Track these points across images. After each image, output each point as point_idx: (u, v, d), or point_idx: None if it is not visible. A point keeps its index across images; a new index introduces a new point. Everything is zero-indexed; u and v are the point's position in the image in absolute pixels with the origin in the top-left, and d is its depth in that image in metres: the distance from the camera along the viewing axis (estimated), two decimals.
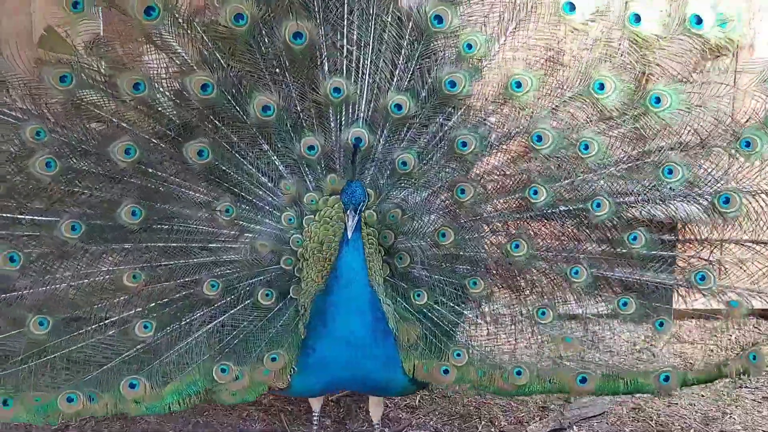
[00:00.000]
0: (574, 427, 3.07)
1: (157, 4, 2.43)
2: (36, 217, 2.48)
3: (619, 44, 2.50)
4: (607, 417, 3.13)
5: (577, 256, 2.55)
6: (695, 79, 2.51)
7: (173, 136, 2.52)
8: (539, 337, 2.59)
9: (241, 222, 2.56)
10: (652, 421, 3.09)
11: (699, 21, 2.45)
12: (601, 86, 2.48)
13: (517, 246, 2.55)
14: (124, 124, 2.53)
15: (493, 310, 2.63)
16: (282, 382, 2.48)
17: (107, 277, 2.50)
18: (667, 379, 2.53)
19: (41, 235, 2.45)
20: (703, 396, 3.23)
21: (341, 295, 2.38)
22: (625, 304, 2.61)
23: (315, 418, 2.71)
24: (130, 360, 2.45)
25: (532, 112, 2.53)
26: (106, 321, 2.49)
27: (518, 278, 2.59)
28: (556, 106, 2.53)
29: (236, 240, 2.57)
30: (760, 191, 2.46)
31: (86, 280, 2.51)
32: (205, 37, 2.49)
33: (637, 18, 2.46)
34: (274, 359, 2.48)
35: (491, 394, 2.85)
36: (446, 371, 2.51)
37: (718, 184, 2.48)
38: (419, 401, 3.13)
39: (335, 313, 2.39)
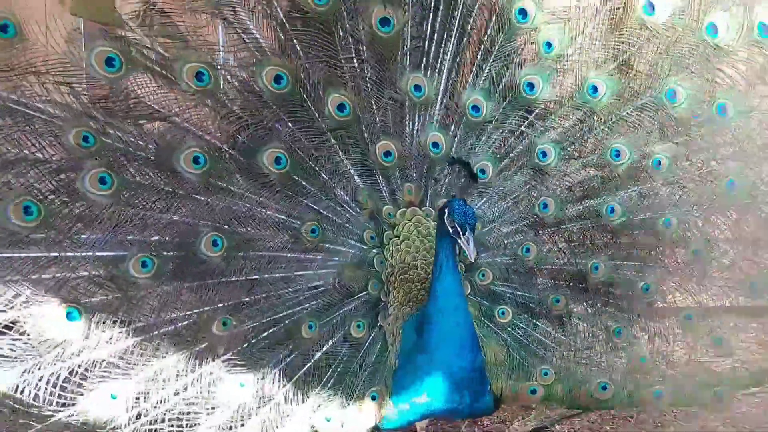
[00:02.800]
0: (556, 425, 3.28)
1: None
2: (97, 253, 2.15)
3: (692, 52, 2.58)
4: (587, 415, 3.32)
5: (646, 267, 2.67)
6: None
7: (244, 140, 2.31)
8: (616, 353, 2.69)
9: (326, 244, 2.43)
10: (632, 419, 3.32)
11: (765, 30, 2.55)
12: (674, 94, 2.57)
13: (596, 267, 2.63)
14: (187, 125, 2.24)
15: (574, 327, 2.71)
16: (377, 420, 2.40)
17: (186, 323, 2.24)
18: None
19: (101, 275, 2.15)
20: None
21: (441, 322, 2.33)
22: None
23: None
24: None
25: (609, 121, 2.60)
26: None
27: (597, 292, 2.69)
28: (629, 113, 2.61)
29: (323, 266, 2.43)
30: None
31: (161, 330, 2.24)
32: (283, 17, 2.29)
33: (714, 29, 2.54)
34: (374, 398, 2.39)
35: (574, 409, 2.97)
36: (534, 391, 2.58)
37: None
38: None
39: (435, 340, 2.33)
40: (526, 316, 2.65)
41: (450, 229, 2.25)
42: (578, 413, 3.27)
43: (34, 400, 2.06)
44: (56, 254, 2.11)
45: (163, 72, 2.17)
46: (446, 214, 2.26)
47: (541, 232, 2.64)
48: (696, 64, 2.55)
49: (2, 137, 2.05)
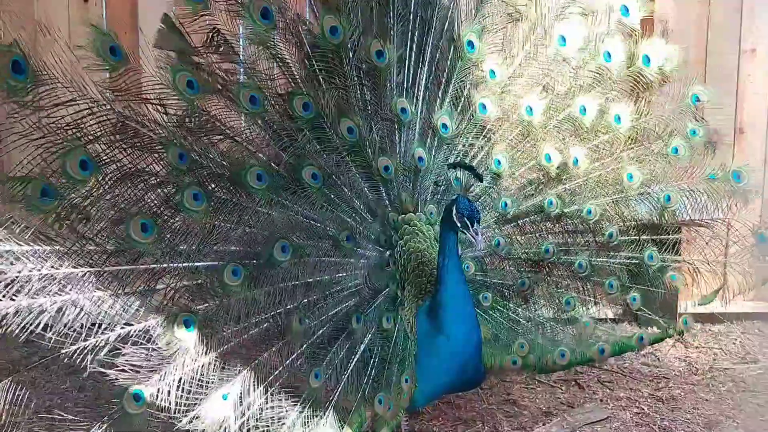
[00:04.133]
0: (577, 431, 3.34)
1: (272, 7, 2.66)
2: (198, 263, 2.46)
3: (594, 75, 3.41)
4: (611, 422, 3.42)
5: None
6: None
7: (288, 159, 2.73)
8: (568, 323, 3.41)
9: (357, 249, 2.89)
10: (655, 425, 3.40)
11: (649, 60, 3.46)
12: (585, 109, 3.35)
13: (547, 250, 3.32)
14: (246, 144, 2.66)
15: (536, 304, 3.36)
16: (410, 401, 2.86)
17: (268, 325, 2.59)
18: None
19: (202, 284, 2.47)
20: (706, 400, 3.55)
21: (451, 306, 2.82)
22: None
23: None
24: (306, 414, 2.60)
25: (542, 131, 3.31)
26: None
27: (549, 273, 3.38)
28: (555, 125, 3.35)
29: (357, 267, 2.88)
30: None
31: (251, 332, 2.56)
32: (307, 48, 2.79)
33: (609, 56, 3.37)
34: (407, 380, 2.85)
35: (543, 374, 3.63)
36: (515, 362, 3.20)
37: None
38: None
39: (447, 324, 2.83)
40: (500, 299, 3.27)
41: (459, 224, 2.74)
42: (601, 420, 3.42)
43: (164, 407, 2.26)
44: (166, 265, 2.39)
45: (228, 94, 2.56)
46: (455, 211, 2.74)
47: (504, 227, 3.29)
48: (597, 84, 3.36)
49: (119, 150, 2.33)
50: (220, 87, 2.56)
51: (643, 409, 3.51)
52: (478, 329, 2.90)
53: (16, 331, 2.09)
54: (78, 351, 2.19)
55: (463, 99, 3.18)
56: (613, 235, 3.40)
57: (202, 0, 2.53)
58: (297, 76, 2.78)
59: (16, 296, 2.11)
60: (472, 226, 2.68)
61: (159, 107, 2.43)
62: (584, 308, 3.43)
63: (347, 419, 2.65)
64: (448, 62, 3.14)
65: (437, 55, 3.12)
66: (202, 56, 2.54)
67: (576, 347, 3.33)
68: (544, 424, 3.39)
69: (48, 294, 2.16)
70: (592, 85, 3.34)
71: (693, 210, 3.42)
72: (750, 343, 4.41)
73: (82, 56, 2.27)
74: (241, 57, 2.65)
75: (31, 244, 2.19)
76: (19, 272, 2.13)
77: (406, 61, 3.04)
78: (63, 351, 2.17)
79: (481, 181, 2.92)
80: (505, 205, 3.24)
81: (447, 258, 2.80)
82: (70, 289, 2.20)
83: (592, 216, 3.34)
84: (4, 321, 2.08)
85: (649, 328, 3.88)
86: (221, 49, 2.59)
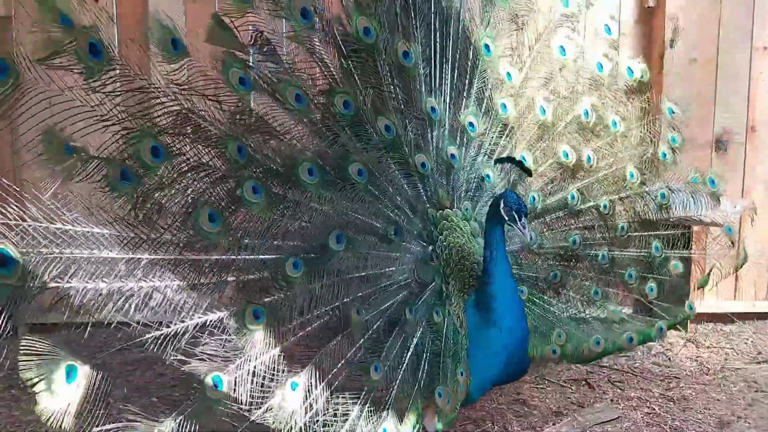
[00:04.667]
0: (587, 431, 3.35)
1: (310, 6, 2.73)
2: (261, 256, 2.51)
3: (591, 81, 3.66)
4: (621, 422, 3.42)
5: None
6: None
7: (333, 156, 2.78)
8: (598, 312, 3.54)
9: (404, 243, 2.94)
10: (666, 425, 3.39)
11: (632, 71, 3.77)
12: (588, 112, 3.57)
13: (574, 241, 3.46)
14: (295, 142, 2.71)
15: (568, 295, 3.49)
16: (466, 394, 2.90)
17: (328, 318, 2.64)
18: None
19: (263, 277, 2.51)
20: (718, 400, 3.63)
21: (501, 299, 2.89)
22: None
23: None
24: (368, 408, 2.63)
25: (555, 132, 3.51)
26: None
27: (577, 265, 3.50)
28: (565, 126, 3.55)
29: (404, 261, 2.93)
30: None
31: (313, 324, 2.61)
32: (343, 48, 2.86)
33: (601, 66, 3.67)
34: (462, 373, 2.88)
35: (580, 363, 3.75)
36: (554, 351, 3.30)
37: None
38: None
39: (497, 316, 2.89)
40: (536, 292, 3.36)
41: (507, 217, 2.81)
42: (612, 420, 3.43)
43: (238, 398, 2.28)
44: (233, 257, 2.43)
45: (275, 93, 2.62)
46: (503, 205, 2.81)
47: (534, 222, 3.39)
48: (594, 91, 3.61)
49: (184, 142, 2.37)
50: (267, 85, 2.61)
51: (654, 409, 3.52)
52: (525, 320, 2.97)
53: (111, 312, 2.12)
54: (161, 337, 2.20)
55: (485, 99, 3.31)
56: (624, 229, 3.58)
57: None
58: (335, 76, 2.85)
59: (106, 279, 2.13)
60: (520, 220, 2.75)
61: (215, 102, 2.46)
62: (610, 298, 3.57)
63: (405, 413, 2.66)
64: (470, 63, 3.26)
65: (458, 57, 3.23)
66: (248, 54, 2.59)
67: (608, 336, 3.43)
68: (554, 424, 3.39)
69: (135, 279, 2.19)
70: (590, 92, 3.58)
71: (682, 207, 3.71)
72: (762, 343, 4.43)
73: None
74: (283, 57, 2.70)
75: (116, 228, 2.21)
76: (109, 253, 2.15)
77: (432, 62, 3.14)
78: (148, 336, 2.18)
79: (530, 175, 3.03)
80: (534, 199, 3.36)
81: (495, 251, 2.87)
82: (153, 277, 2.22)
83: (607, 210, 3.52)
84: (97, 301, 2.10)
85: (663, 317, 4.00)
86: (265, 48, 2.63)
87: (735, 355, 4.24)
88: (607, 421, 3.40)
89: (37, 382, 1.93)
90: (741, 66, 4.55)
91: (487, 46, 3.33)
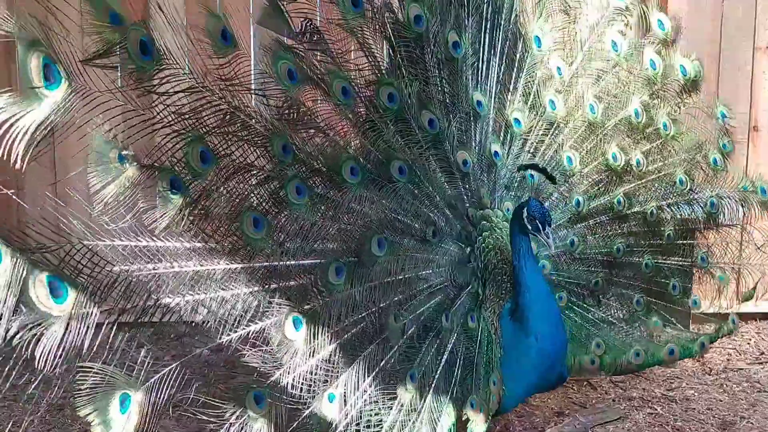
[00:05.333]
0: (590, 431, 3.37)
1: None
2: (301, 262, 2.42)
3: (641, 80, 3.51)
4: (623, 422, 3.43)
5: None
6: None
7: (376, 153, 2.68)
8: (638, 323, 3.43)
9: (442, 245, 2.86)
10: (668, 426, 3.39)
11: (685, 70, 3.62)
12: (638, 112, 3.44)
13: (618, 249, 3.35)
14: (338, 138, 2.59)
15: (609, 304, 3.37)
16: (499, 404, 2.83)
17: (364, 324, 2.55)
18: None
19: (305, 284, 2.42)
20: (720, 401, 3.62)
21: (534, 308, 2.81)
22: None
23: None
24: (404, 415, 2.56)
25: (603, 132, 3.37)
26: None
27: (621, 273, 3.39)
28: (614, 126, 3.41)
29: (441, 263, 2.84)
30: None
31: (351, 331, 2.51)
32: (392, 37, 2.75)
33: (653, 64, 3.50)
34: (494, 383, 2.81)
35: (618, 374, 3.58)
36: (593, 361, 3.22)
37: None
38: None
39: (532, 325, 2.80)
40: (575, 299, 3.25)
41: (530, 226, 2.72)
42: (614, 420, 3.44)
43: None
44: (276, 263, 2.34)
45: (323, 85, 2.51)
46: (526, 213, 2.72)
47: (577, 226, 3.28)
48: (647, 90, 3.46)
49: (231, 142, 2.27)
50: (317, 77, 2.50)
51: (656, 410, 3.52)
52: (563, 328, 2.89)
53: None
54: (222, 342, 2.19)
55: (533, 94, 3.20)
56: (671, 237, 3.46)
57: None
58: (382, 67, 2.74)
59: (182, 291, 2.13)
60: (544, 229, 2.66)
61: (262, 97, 2.37)
62: (653, 309, 3.46)
63: (438, 422, 2.60)
64: (518, 56, 3.15)
65: (507, 49, 3.11)
66: (300, 42, 2.46)
67: (648, 348, 3.34)
68: (556, 424, 3.40)
69: (203, 291, 2.16)
70: (641, 90, 3.43)
71: (730, 215, 3.59)
72: (764, 344, 4.40)
73: (196, 40, 2.18)
74: (332, 46, 2.57)
75: (170, 240, 2.15)
76: (181, 268, 2.14)
77: (480, 54, 3.03)
78: (219, 340, 2.18)
79: (555, 183, 2.96)
80: (578, 203, 3.25)
81: (523, 260, 2.78)
82: (217, 287, 2.19)
83: (654, 217, 3.41)
84: (174, 311, 2.11)
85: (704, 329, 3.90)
86: (314, 38, 2.50)
87: (737, 356, 4.22)
88: (609, 421, 3.41)
89: (93, 416, 1.92)
90: (743, 65, 4.48)
91: (538, 39, 3.21)
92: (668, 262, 3.49)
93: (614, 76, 3.39)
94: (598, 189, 3.33)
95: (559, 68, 3.27)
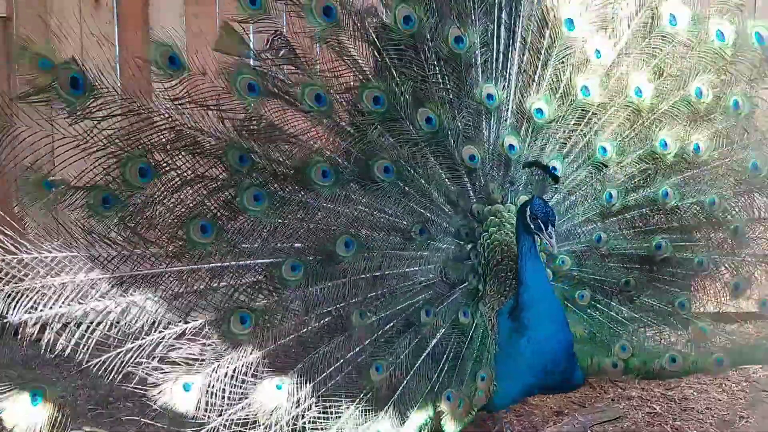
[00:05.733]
0: (588, 431, 3.35)
1: (334, 4, 2.66)
2: (258, 261, 2.58)
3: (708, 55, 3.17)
4: (622, 422, 3.43)
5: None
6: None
7: (357, 154, 2.76)
8: (681, 326, 3.18)
9: (431, 242, 2.88)
10: (667, 425, 3.40)
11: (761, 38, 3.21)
12: (701, 92, 3.13)
13: (659, 245, 3.11)
14: (311, 143, 2.70)
15: (643, 304, 3.15)
16: (487, 400, 2.82)
17: (329, 319, 2.68)
18: None
19: (260, 281, 2.59)
20: (719, 400, 3.70)
21: (534, 308, 2.76)
22: None
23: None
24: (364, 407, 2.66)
25: (651, 117, 3.13)
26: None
27: (661, 271, 3.16)
28: (668, 109, 3.14)
29: (431, 261, 2.87)
30: None
31: (311, 325, 2.65)
32: (377, 41, 2.77)
33: (722, 35, 3.13)
34: (483, 378, 2.81)
35: (649, 380, 3.47)
36: (615, 365, 3.04)
37: None
38: None
39: (530, 325, 2.76)
40: (601, 297, 3.10)
41: (533, 226, 2.66)
42: (613, 419, 3.42)
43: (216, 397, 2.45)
44: (228, 264, 2.52)
45: (287, 97, 2.63)
46: (528, 212, 2.66)
47: (608, 220, 3.11)
48: (712, 65, 3.12)
49: (178, 157, 2.46)
50: (281, 90, 2.62)
51: (655, 409, 3.51)
52: (565, 329, 2.79)
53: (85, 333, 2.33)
54: (135, 348, 2.38)
55: (562, 82, 3.03)
56: (739, 230, 3.18)
57: (260, 5, 2.57)
58: (366, 70, 2.77)
59: (83, 300, 2.36)
60: (546, 229, 2.59)
61: (218, 112, 2.53)
62: (702, 311, 3.24)
63: (411, 415, 2.65)
64: (545, 42, 3.00)
65: (530, 35, 2.99)
66: (262, 60, 2.61)
67: (690, 354, 3.10)
68: (554, 424, 3.40)
69: (113, 297, 2.39)
70: (707, 67, 3.11)
71: None
72: None
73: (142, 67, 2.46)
74: (302, 58, 2.67)
75: (95, 248, 2.40)
76: (85, 278, 2.36)
77: (494, 45, 2.94)
78: (123, 349, 2.37)
79: (556, 181, 2.85)
80: (610, 196, 3.07)
81: (526, 260, 2.74)
82: (133, 291, 2.41)
83: (716, 208, 3.14)
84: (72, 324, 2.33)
85: None
86: (281, 52, 2.63)
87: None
88: (608, 420, 3.41)
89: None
90: None
91: (570, 21, 3.01)
92: (737, 259, 3.20)
93: (670, 53, 3.09)
94: (639, 181, 3.11)
95: (597, 51, 3.05)
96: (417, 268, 2.83)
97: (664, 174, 3.11)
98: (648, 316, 3.14)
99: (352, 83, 2.77)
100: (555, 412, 3.47)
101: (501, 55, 2.95)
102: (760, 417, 3.43)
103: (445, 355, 2.79)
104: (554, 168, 2.96)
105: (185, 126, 2.48)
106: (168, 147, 2.46)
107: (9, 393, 2.23)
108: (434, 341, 2.78)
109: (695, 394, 3.66)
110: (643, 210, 3.13)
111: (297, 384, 2.56)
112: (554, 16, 3.00)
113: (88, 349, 2.33)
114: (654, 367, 3.06)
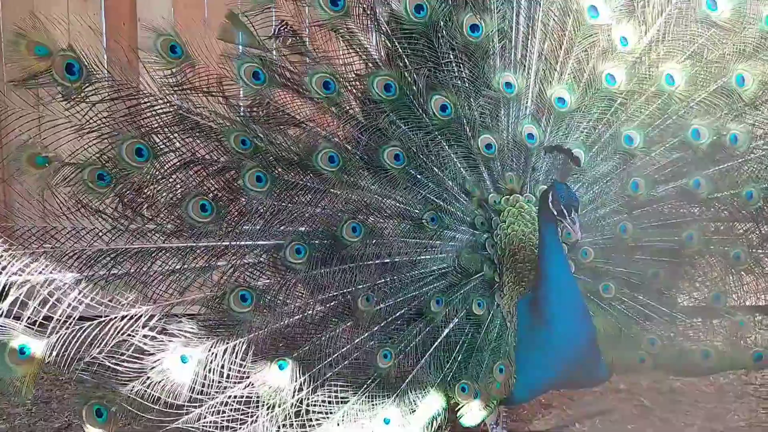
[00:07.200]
0: (576, 424, 3.40)
1: None
2: (259, 242, 2.64)
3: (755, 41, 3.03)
4: (611, 414, 3.46)
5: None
6: None
7: (366, 141, 2.78)
8: (714, 320, 3.05)
9: (444, 231, 2.86)
10: (655, 417, 3.44)
11: None
12: (743, 79, 2.98)
13: (690, 237, 2.99)
14: (319, 129, 2.74)
15: (673, 298, 3.05)
16: (506, 393, 2.77)
17: (335, 303, 2.71)
18: None
19: (263, 263, 2.66)
20: (707, 393, 3.70)
21: (554, 299, 2.69)
22: None
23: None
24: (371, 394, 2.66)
25: (686, 107, 3.01)
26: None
27: (694, 263, 3.05)
28: (704, 98, 3.01)
29: (443, 250, 2.86)
30: None
31: (316, 309, 2.69)
32: (388, 30, 2.79)
33: None
34: (501, 370, 2.77)
35: (680, 376, 3.38)
36: (642, 360, 2.95)
37: None
38: None
39: (550, 317, 2.69)
40: (628, 290, 3.00)
41: (555, 212, 2.59)
42: (601, 412, 3.42)
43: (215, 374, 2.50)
44: (227, 243, 2.59)
45: (294, 85, 2.69)
46: (550, 198, 2.60)
47: (635, 211, 3.00)
48: (759, 52, 2.96)
49: (178, 141, 2.56)
50: (287, 79, 2.68)
51: (643, 402, 3.53)
52: (588, 323, 2.71)
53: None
54: (128, 317, 2.45)
55: (586, 70, 2.96)
56: None
57: None
58: (377, 59, 2.80)
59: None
60: (569, 215, 2.52)
61: (221, 98, 2.62)
62: (738, 305, 3.07)
63: (421, 404, 2.63)
64: (567, 30, 2.94)
65: (550, 22, 2.94)
66: (266, 50, 2.67)
67: (725, 349, 2.97)
68: (543, 417, 3.44)
69: (104, 267, 2.50)
70: (752, 53, 2.96)
71: None
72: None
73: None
74: (310, 46, 2.74)
75: (91, 222, 2.50)
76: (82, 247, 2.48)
77: (513, 32, 2.90)
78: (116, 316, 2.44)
79: (579, 165, 2.75)
80: (636, 186, 2.96)
81: (547, 249, 2.67)
82: (126, 264, 2.52)
83: (753, 201, 2.99)
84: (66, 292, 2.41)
85: None
86: (288, 41, 2.69)
87: None
88: (597, 413, 3.43)
89: None
90: None
91: (594, 8, 2.94)
92: None
93: (708, 38, 2.96)
94: (671, 171, 2.99)
95: (623, 38, 2.96)
96: (429, 257, 2.82)
97: (697, 164, 2.98)
98: (679, 309, 3.03)
99: (362, 71, 2.78)
100: (543, 405, 3.50)
101: (520, 43, 2.92)
102: (748, 410, 3.45)
103: (458, 346, 2.77)
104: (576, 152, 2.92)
105: (187, 112, 2.57)
106: (170, 130, 2.57)
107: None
108: (446, 331, 2.76)
109: (683, 386, 3.66)
110: (673, 201, 3.02)
111: (302, 366, 2.58)
112: (577, 2, 2.93)
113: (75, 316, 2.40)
114: (685, 362, 2.96)
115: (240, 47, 2.64)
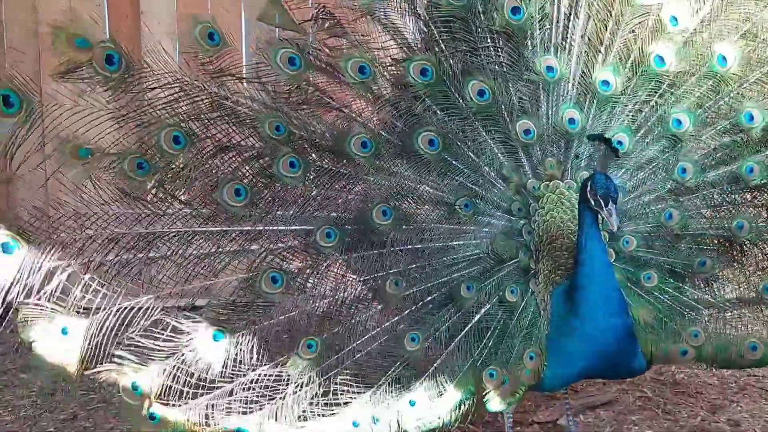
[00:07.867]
0: (580, 415, 3.36)
1: None
2: (290, 227, 2.66)
3: None
4: (614, 405, 3.43)
5: None
6: None
7: (401, 127, 2.77)
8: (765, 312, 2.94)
9: (478, 216, 2.85)
10: (658, 409, 3.40)
11: None
12: None
13: (740, 225, 2.88)
14: (354, 115, 2.75)
15: (721, 288, 2.94)
16: (536, 380, 2.75)
17: (366, 287, 2.73)
18: None
19: (294, 246, 2.68)
20: (710, 384, 3.73)
21: (590, 288, 2.64)
22: None
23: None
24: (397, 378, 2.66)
25: (739, 88, 2.89)
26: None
27: (744, 253, 2.93)
28: (758, 79, 2.90)
29: (477, 236, 2.83)
30: None
31: (346, 292, 2.71)
32: (425, 14, 2.76)
33: None
34: (531, 357, 2.74)
35: (724, 368, 3.33)
36: (684, 352, 2.85)
37: None
38: None
39: (585, 306, 2.64)
40: (672, 280, 2.91)
41: (593, 202, 2.56)
42: (605, 403, 3.41)
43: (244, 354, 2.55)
44: (261, 228, 2.64)
45: (329, 69, 2.71)
46: (589, 188, 2.57)
47: (682, 198, 2.91)
48: None
49: (215, 127, 2.61)
50: (323, 63, 2.70)
51: (646, 393, 3.54)
52: (624, 315, 2.65)
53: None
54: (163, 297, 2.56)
55: (633, 51, 2.84)
56: None
57: None
58: (412, 44, 2.80)
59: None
60: (606, 206, 2.49)
61: (257, 85, 2.66)
62: None
63: (448, 389, 2.62)
64: (614, 10, 2.82)
65: (594, 5, 2.81)
66: (303, 33, 2.70)
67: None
68: (546, 408, 3.40)
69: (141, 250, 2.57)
70: None
71: None
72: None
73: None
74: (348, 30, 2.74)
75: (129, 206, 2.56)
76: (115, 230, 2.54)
77: (555, 14, 2.81)
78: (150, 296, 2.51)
79: (617, 156, 2.62)
80: (684, 171, 2.87)
81: (586, 237, 2.62)
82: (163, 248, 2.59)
83: None
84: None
85: None
86: (326, 25, 2.71)
87: None
88: (600, 404, 3.43)
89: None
90: None
91: None
92: None
93: (763, 17, 2.83)
94: (722, 155, 2.89)
95: (673, 17, 2.84)
96: (462, 242, 2.80)
97: (750, 149, 2.86)
98: (726, 300, 2.93)
99: (399, 55, 2.78)
100: (546, 396, 3.43)
101: (562, 25, 2.83)
102: (750, 401, 3.42)
103: (489, 332, 2.74)
104: (619, 142, 2.81)
105: (224, 99, 2.60)
106: (207, 117, 2.60)
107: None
108: (477, 317, 2.74)
109: (686, 378, 3.74)
110: (724, 187, 2.90)
111: (330, 346, 2.63)
112: None
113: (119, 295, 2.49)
114: (730, 355, 2.87)
115: (277, 30, 2.72)
